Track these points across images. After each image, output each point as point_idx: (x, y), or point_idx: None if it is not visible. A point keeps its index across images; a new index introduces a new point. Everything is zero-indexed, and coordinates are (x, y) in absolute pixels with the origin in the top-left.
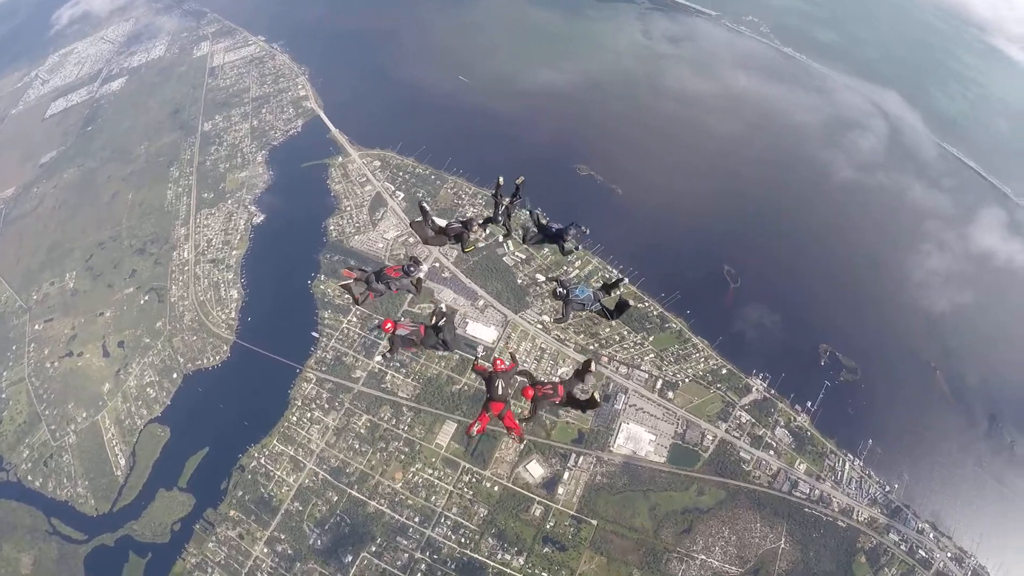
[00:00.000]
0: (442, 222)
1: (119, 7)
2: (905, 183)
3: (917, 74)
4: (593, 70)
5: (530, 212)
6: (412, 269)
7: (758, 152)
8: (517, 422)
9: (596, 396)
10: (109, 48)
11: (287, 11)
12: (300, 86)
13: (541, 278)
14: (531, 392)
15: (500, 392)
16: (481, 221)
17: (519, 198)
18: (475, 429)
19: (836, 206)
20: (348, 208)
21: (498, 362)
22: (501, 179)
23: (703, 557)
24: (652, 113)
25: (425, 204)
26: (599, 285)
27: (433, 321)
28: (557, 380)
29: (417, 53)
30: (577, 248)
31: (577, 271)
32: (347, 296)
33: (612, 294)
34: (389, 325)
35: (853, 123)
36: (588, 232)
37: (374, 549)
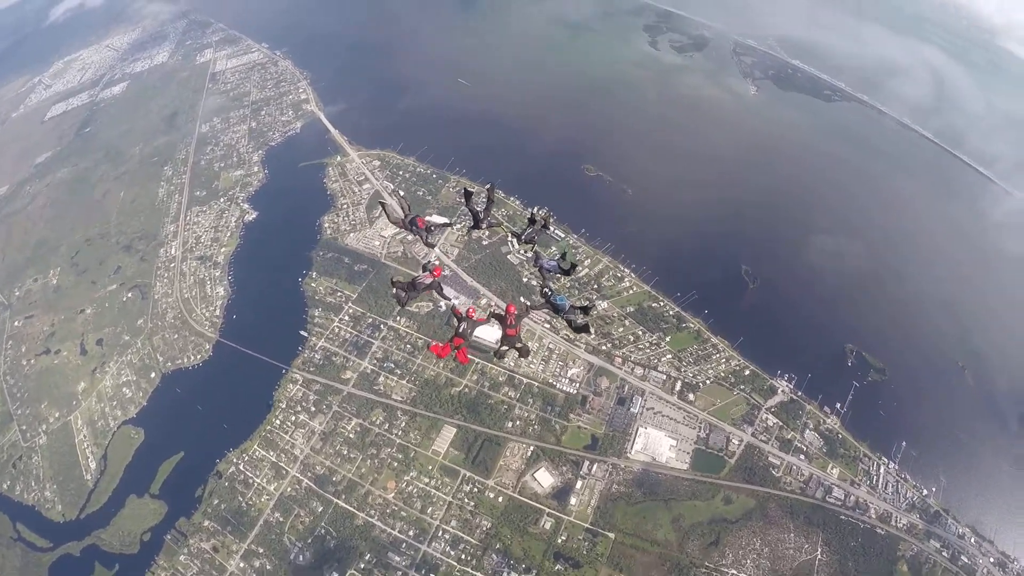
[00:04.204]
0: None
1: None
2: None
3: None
4: (599, 77)
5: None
6: (434, 228)
7: (771, 151)
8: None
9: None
10: (113, 55)
11: (292, 21)
12: (301, 90)
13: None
14: (512, 307)
15: (462, 331)
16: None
17: (547, 229)
18: (433, 347)
19: (847, 210)
20: (344, 206)
21: (471, 311)
22: (539, 213)
23: (734, 572)
24: (662, 110)
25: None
26: (579, 305)
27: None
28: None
29: (419, 60)
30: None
31: (587, 270)
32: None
33: (587, 314)
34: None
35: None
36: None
37: (362, 566)
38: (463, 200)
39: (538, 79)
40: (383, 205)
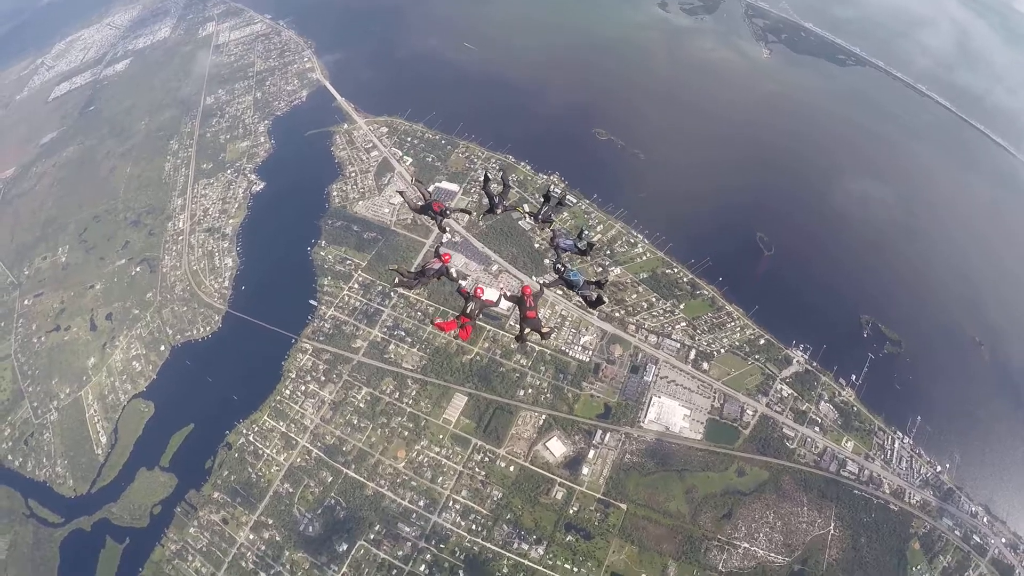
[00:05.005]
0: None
1: None
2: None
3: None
4: (608, 39)
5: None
6: (447, 212)
7: (785, 116)
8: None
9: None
10: (114, 33)
11: None
12: (306, 59)
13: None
14: (528, 289)
15: (469, 311)
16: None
17: (565, 205)
18: (437, 323)
19: (863, 177)
20: (352, 174)
21: (478, 290)
22: (554, 189)
23: (746, 545)
24: (673, 73)
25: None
26: (592, 280)
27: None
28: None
29: (425, 25)
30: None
31: (599, 235)
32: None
33: (600, 288)
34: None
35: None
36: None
37: (372, 537)
38: (481, 184)
39: (546, 42)
40: (402, 194)
